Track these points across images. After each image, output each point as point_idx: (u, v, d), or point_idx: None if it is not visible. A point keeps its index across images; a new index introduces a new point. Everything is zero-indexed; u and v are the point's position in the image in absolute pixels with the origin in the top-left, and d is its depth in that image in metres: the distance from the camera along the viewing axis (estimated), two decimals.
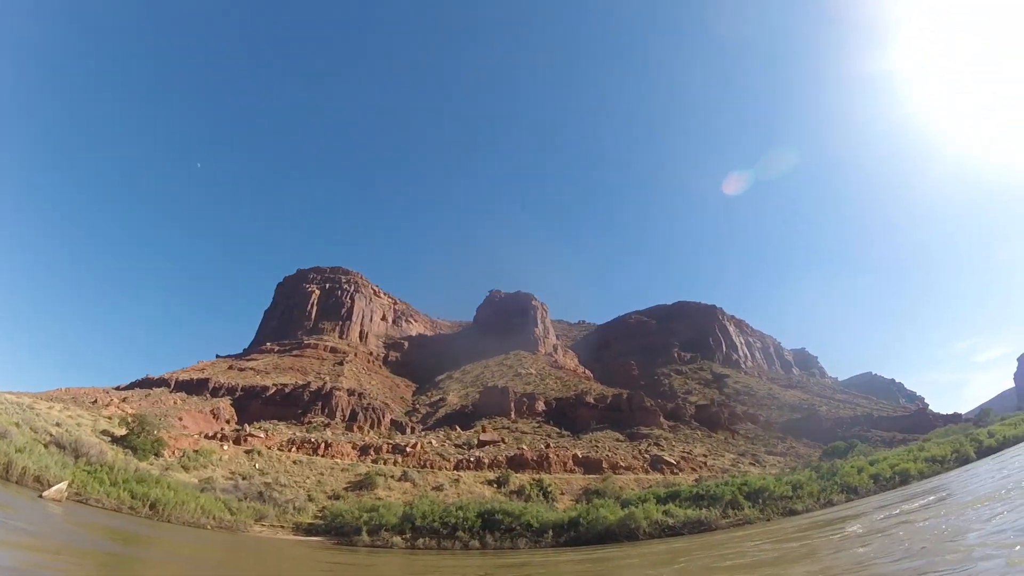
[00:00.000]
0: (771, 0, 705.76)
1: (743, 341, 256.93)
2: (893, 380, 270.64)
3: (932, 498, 25.74)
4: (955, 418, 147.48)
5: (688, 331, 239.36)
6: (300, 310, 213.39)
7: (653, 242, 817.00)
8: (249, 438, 74.65)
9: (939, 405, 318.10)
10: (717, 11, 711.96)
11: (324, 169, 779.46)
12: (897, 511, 24.27)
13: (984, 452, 52.53)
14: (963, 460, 50.17)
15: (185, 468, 53.56)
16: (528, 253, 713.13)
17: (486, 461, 69.36)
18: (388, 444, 77.65)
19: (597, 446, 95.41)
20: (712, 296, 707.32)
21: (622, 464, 76.84)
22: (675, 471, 80.00)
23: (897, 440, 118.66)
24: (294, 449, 71.27)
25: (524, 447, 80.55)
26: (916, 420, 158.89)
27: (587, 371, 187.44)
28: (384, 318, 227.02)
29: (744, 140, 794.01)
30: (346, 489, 57.38)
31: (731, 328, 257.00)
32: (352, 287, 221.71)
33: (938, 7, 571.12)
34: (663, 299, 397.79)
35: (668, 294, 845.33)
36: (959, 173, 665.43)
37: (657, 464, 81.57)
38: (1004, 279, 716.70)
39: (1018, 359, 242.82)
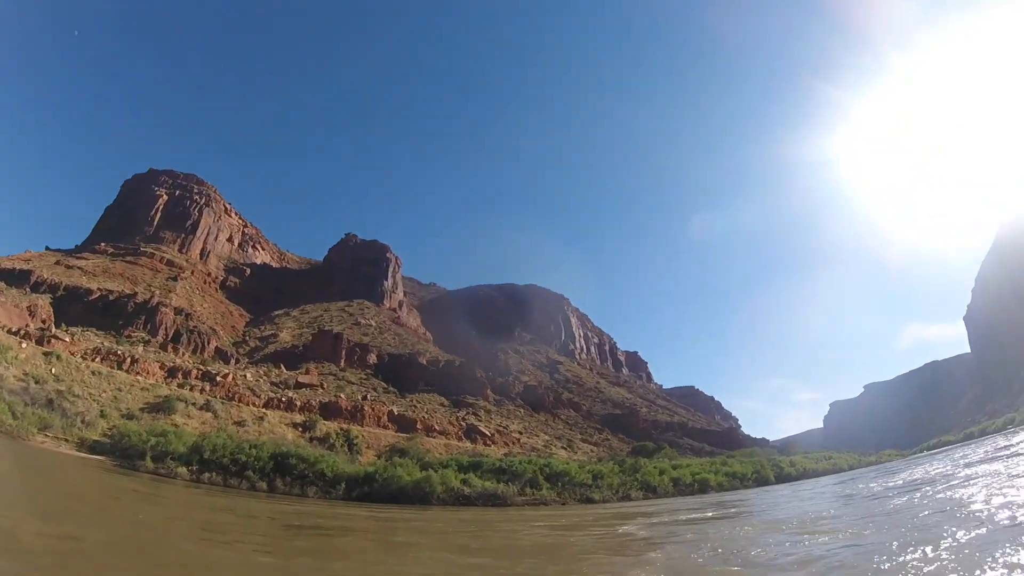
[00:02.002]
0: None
1: (582, 334, 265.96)
2: (713, 398, 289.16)
3: (711, 513, 26.45)
4: (763, 443, 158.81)
5: (533, 314, 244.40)
6: (143, 213, 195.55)
7: (516, 223, 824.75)
8: (53, 340, 68.91)
9: (751, 429, 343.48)
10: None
11: (197, 61, 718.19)
12: (684, 517, 25.15)
13: (783, 478, 56.30)
14: (762, 481, 53.47)
15: None
16: (392, 202, 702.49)
17: (298, 404, 67.49)
18: (199, 370, 74.02)
19: (416, 406, 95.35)
20: (563, 287, 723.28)
21: (437, 428, 77.24)
22: (488, 443, 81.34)
23: (705, 452, 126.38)
24: (98, 359, 66.43)
25: (342, 396, 79.13)
26: (727, 437, 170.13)
27: (428, 333, 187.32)
28: (231, 239, 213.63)
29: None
30: (143, 410, 53.70)
31: (574, 320, 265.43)
32: (203, 199, 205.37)
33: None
34: (517, 279, 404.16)
35: (522, 275, 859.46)
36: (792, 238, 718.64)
37: (472, 433, 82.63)
38: (825, 345, 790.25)
39: (830, 405, 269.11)
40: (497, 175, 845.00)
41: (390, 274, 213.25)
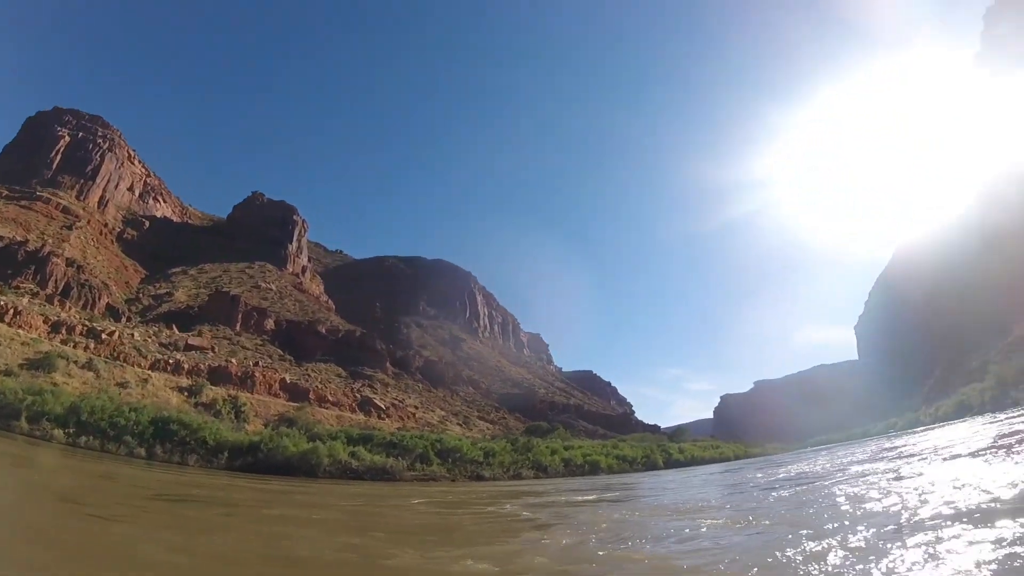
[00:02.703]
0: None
1: (487, 312, 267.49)
2: (609, 383, 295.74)
3: (600, 495, 26.32)
4: (654, 429, 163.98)
5: (440, 289, 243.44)
6: (43, 155, 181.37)
7: (429, 195, 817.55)
8: None
9: (645, 415, 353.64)
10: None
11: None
12: (561, 499, 25.77)
13: (672, 464, 58.67)
14: (651, 466, 55.57)
15: None
16: (303, 163, 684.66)
17: (186, 367, 65.84)
18: (84, 326, 71.18)
19: (311, 376, 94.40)
20: (471, 263, 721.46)
21: (330, 399, 76.95)
22: (382, 416, 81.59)
23: (599, 434, 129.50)
24: None
25: (232, 361, 77.62)
26: (621, 422, 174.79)
27: (330, 301, 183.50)
28: (132, 189, 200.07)
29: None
30: (22, 366, 51.58)
31: (480, 297, 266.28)
32: (106, 144, 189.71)
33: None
34: (425, 253, 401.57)
35: (431, 249, 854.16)
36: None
37: (366, 406, 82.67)
38: (723, 339, 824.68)
39: (721, 397, 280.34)
40: (414, 145, 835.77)
41: (295, 238, 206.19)
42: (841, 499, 12.43)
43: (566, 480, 44.03)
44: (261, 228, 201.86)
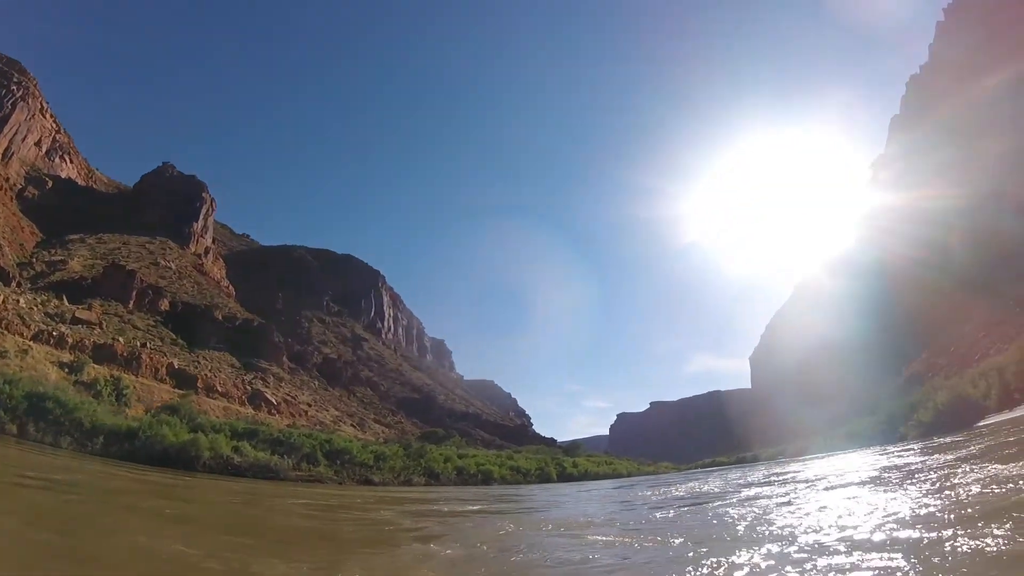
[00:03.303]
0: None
1: (392, 314, 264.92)
2: (510, 394, 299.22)
3: (492, 506, 25.99)
4: (551, 442, 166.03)
5: (346, 285, 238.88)
6: None
7: (346, 187, 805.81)
8: None
9: (542, 428, 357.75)
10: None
11: None
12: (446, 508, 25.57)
13: (565, 478, 59.48)
14: (545, 479, 56.19)
15: None
16: (216, 138, 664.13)
17: (70, 341, 62.91)
18: None
19: (201, 363, 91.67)
20: (380, 262, 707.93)
21: (219, 389, 75.07)
22: (273, 411, 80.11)
23: (496, 444, 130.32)
24: None
25: (119, 340, 74.65)
26: (518, 433, 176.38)
27: (231, 287, 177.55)
28: (39, 144, 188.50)
29: None
30: None
31: (386, 298, 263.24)
32: (20, 92, 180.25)
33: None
34: (335, 246, 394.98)
35: (341, 243, 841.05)
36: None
37: (256, 399, 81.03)
38: (622, 359, 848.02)
39: (617, 415, 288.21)
40: (336, 135, 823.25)
41: (202, 216, 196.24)
42: (735, 520, 12.53)
43: (458, 489, 43.64)
44: (168, 202, 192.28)
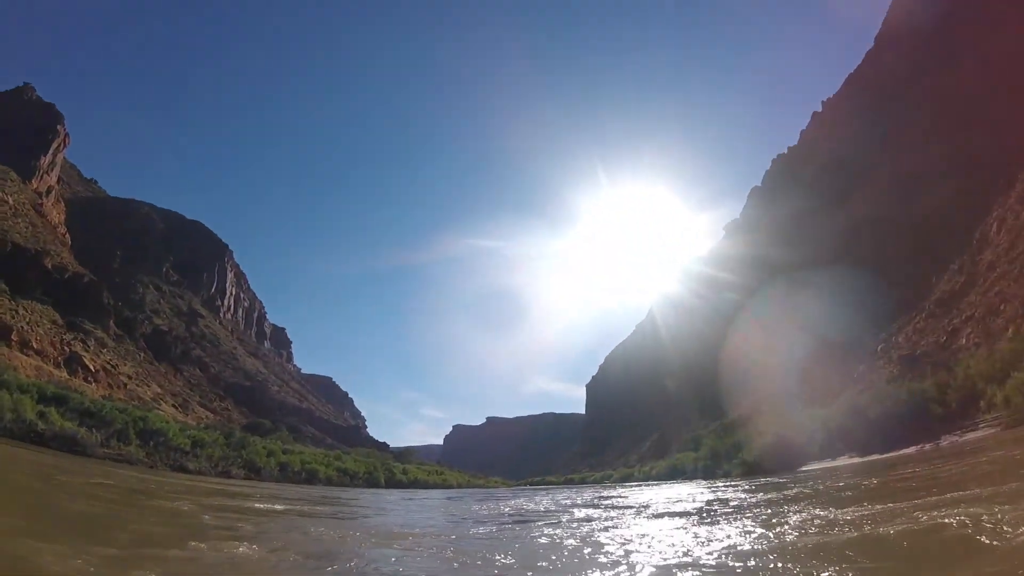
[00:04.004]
0: None
1: (235, 293, 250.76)
2: (347, 394, 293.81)
3: (316, 507, 24.51)
4: (384, 446, 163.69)
5: (190, 256, 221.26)
6: None
7: (206, 147, 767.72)
8: None
9: (377, 432, 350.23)
10: None
11: None
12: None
13: (393, 484, 58.25)
14: (373, 483, 54.65)
15: None
16: (80, 67, 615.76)
17: None
18: None
19: (19, 314, 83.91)
20: (231, 235, 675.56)
21: (34, 346, 69.32)
22: (89, 379, 74.91)
23: (326, 444, 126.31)
24: None
25: None
26: (351, 434, 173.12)
27: (68, 235, 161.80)
28: None
29: None
30: None
31: (231, 274, 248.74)
32: None
33: None
34: (185, 210, 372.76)
35: (191, 207, 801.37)
36: None
37: (73, 363, 75.52)
38: (462, 372, 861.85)
39: (453, 426, 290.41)
40: (204, 90, 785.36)
41: (52, 151, 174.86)
42: (562, 539, 12.58)
43: (280, 486, 41.34)
44: (19, 128, 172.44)
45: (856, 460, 28.96)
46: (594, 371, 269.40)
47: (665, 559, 8.86)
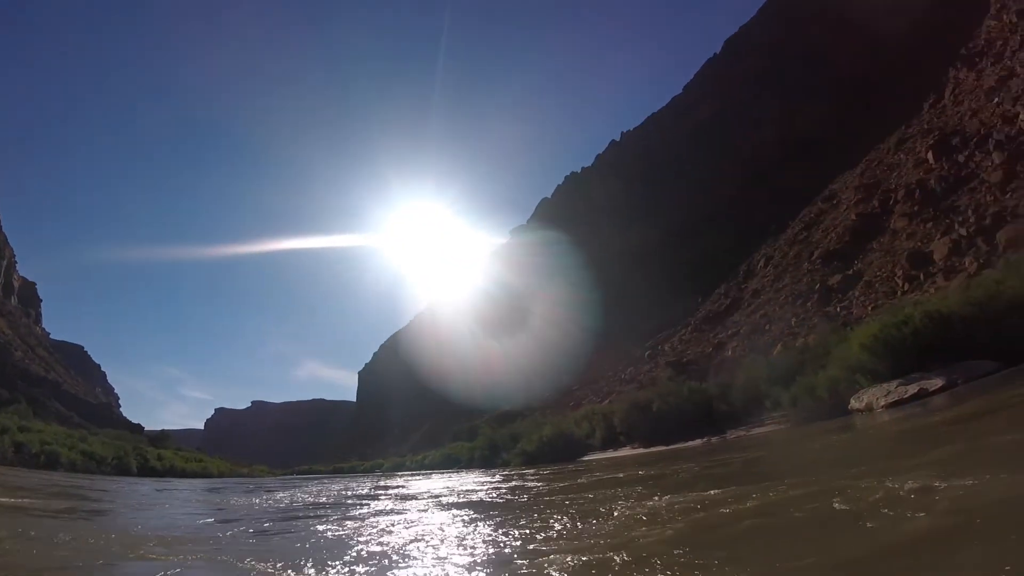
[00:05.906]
0: None
1: None
2: (100, 366, 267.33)
3: (59, 503, 18.95)
4: (138, 428, 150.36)
5: None
6: None
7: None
8: None
9: (131, 412, 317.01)
10: None
11: None
12: None
13: (147, 471, 52.76)
14: (124, 470, 48.99)
15: None
16: None
17: None
18: None
19: None
20: None
21: None
22: None
23: (74, 422, 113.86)
24: None
25: None
26: (102, 413, 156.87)
27: None
28: None
29: None
30: None
31: None
32: None
33: None
34: None
35: None
36: None
37: None
38: (229, 351, 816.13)
39: (215, 409, 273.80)
40: None
41: None
42: (350, 535, 10.97)
43: (12, 471, 33.74)
44: None
45: (640, 451, 30.41)
46: (367, 358, 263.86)
47: (463, 553, 7.66)
